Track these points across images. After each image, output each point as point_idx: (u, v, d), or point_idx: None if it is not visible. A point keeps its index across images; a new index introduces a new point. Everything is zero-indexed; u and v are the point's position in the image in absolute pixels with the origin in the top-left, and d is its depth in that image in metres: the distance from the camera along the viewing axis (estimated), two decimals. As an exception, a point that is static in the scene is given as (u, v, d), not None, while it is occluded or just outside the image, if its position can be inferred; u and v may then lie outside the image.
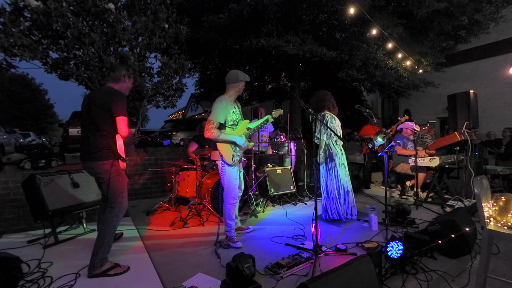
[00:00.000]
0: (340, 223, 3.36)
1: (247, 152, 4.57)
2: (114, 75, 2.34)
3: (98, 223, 2.20)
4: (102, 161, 2.14)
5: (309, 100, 3.74)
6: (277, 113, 2.90)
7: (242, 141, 2.65)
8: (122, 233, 3.05)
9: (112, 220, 2.18)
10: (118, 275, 2.15)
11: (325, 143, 3.43)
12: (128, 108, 2.55)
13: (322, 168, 3.48)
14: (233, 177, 2.70)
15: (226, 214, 2.75)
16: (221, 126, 2.65)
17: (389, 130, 4.79)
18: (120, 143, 2.25)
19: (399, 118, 4.90)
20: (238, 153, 2.71)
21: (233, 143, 2.65)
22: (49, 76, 5.30)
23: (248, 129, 2.79)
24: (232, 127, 2.71)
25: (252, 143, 2.85)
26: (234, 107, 2.76)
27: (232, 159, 2.65)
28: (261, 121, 2.83)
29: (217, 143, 2.64)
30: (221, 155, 2.64)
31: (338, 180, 3.40)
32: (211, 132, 2.55)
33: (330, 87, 9.73)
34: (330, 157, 3.41)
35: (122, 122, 2.14)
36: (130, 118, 2.92)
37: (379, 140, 5.03)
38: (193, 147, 4.38)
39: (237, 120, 2.76)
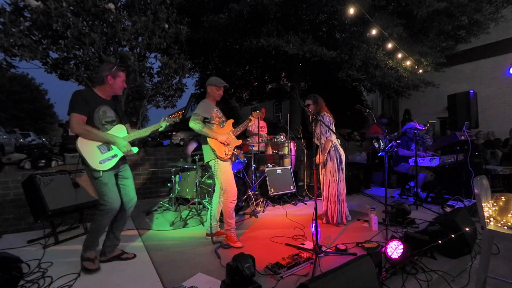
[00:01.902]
0: (340, 223, 3.35)
1: (247, 152, 4.58)
2: (98, 78, 2.30)
3: None
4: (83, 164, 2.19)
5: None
6: (257, 114, 3.02)
7: (223, 138, 2.68)
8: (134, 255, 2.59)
9: (97, 219, 2.22)
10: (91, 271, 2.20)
11: (333, 144, 3.33)
12: (128, 108, 2.57)
13: (329, 170, 3.31)
14: (230, 173, 2.74)
15: (226, 213, 2.74)
16: (206, 122, 2.69)
17: (393, 135, 4.80)
18: (88, 144, 2.19)
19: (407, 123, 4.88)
20: (229, 148, 2.76)
21: (215, 139, 2.67)
22: (49, 76, 5.31)
23: (234, 127, 2.90)
24: (220, 124, 2.81)
25: (240, 141, 2.92)
26: (217, 108, 2.87)
27: (225, 153, 2.69)
28: (244, 122, 2.94)
29: (208, 140, 2.66)
30: (214, 151, 2.66)
31: (343, 181, 3.38)
32: (196, 123, 2.60)
33: (330, 87, 9.80)
34: (339, 159, 3.32)
35: (70, 119, 2.11)
36: (130, 118, 2.92)
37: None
38: (193, 146, 4.38)
39: (222, 118, 2.87)
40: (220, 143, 2.67)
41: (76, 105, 2.11)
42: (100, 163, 2.17)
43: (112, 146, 2.27)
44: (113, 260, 2.41)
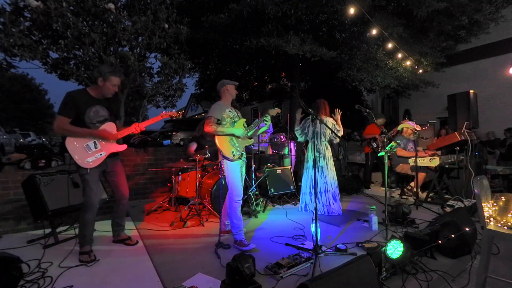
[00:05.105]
0: (341, 223, 3.36)
1: (247, 152, 4.57)
2: (92, 76, 2.52)
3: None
4: None
5: (309, 101, 3.82)
6: (274, 111, 2.97)
7: (240, 132, 2.71)
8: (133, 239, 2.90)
9: (81, 214, 2.45)
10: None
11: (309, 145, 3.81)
12: (128, 108, 2.63)
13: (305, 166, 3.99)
14: (236, 173, 2.70)
15: (232, 214, 2.70)
16: (218, 124, 2.71)
17: (391, 132, 4.79)
18: (75, 143, 2.36)
19: (402, 122, 4.88)
20: (238, 148, 2.72)
21: (232, 135, 2.70)
22: (49, 76, 5.30)
23: (245, 127, 2.85)
24: (230, 124, 2.77)
25: (252, 140, 2.90)
26: (230, 108, 2.86)
27: (232, 154, 2.66)
28: (257, 120, 2.90)
29: (216, 139, 2.65)
30: (221, 151, 2.66)
31: (311, 179, 3.73)
32: (210, 125, 2.63)
33: (330, 87, 9.79)
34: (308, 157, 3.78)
35: (55, 119, 2.32)
36: (130, 118, 2.94)
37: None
38: (193, 147, 4.37)
39: (234, 118, 2.83)
40: (229, 142, 2.68)
41: (63, 107, 2.29)
42: (87, 161, 2.36)
43: (99, 144, 2.43)
44: (120, 243, 2.76)
